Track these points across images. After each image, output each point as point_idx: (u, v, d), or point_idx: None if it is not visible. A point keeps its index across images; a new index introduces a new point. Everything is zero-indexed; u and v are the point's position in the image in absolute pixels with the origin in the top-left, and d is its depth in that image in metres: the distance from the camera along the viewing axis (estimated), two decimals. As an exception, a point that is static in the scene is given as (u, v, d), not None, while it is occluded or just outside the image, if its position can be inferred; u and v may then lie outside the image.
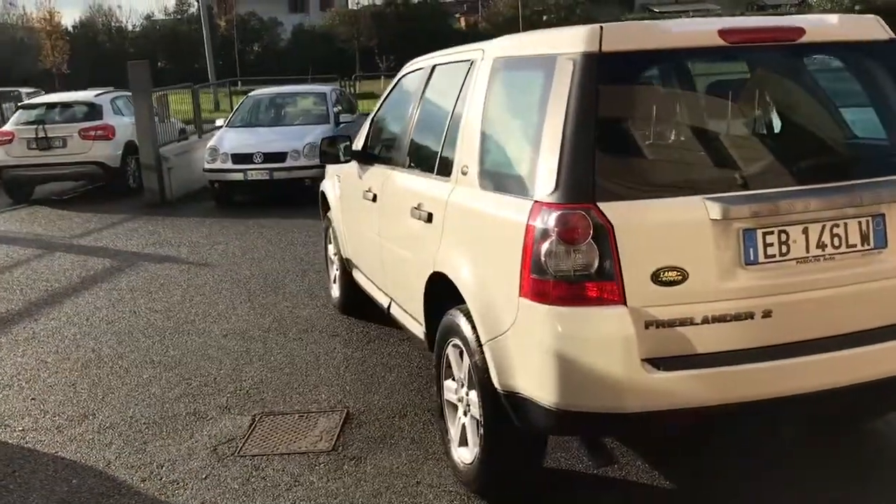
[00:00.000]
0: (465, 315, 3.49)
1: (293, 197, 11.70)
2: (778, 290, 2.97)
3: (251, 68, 43.99)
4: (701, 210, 2.91)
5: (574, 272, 2.89)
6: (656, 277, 2.88)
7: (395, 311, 4.75)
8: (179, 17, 58.18)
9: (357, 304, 6.16)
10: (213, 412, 4.75)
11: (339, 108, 13.66)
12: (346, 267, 6.00)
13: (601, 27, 3.02)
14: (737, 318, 2.94)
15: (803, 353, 2.95)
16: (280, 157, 11.68)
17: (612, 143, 3.02)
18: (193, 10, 54.85)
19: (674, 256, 2.89)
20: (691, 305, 2.90)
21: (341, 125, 12.93)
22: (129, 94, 13.38)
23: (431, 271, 3.83)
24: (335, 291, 6.51)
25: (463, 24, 59.41)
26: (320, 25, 53.68)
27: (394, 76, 5.41)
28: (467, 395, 3.61)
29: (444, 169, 3.91)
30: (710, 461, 3.90)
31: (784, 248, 2.98)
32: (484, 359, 3.30)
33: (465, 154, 3.69)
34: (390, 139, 5.01)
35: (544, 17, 51.89)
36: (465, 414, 3.67)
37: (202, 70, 36.14)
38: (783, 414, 3.09)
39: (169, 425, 4.60)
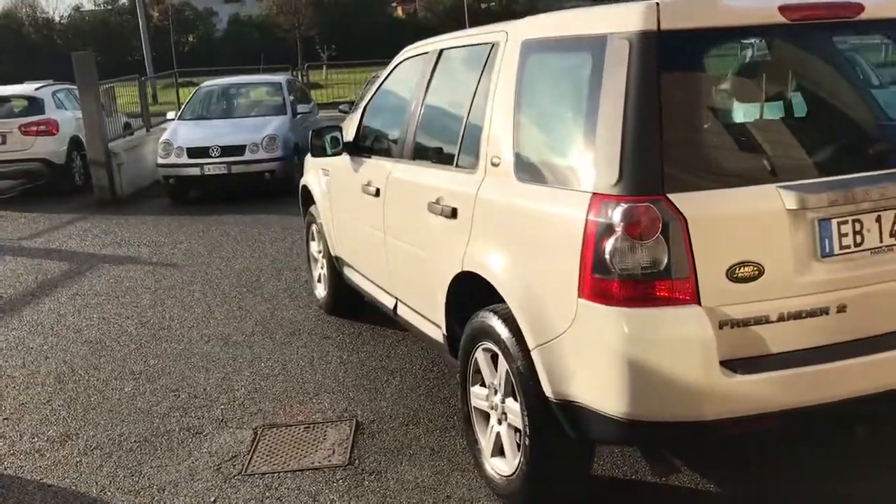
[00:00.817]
0: (500, 317, 3.24)
1: (251, 192, 11.29)
2: (853, 283, 2.80)
3: (186, 59, 42.91)
4: (775, 199, 2.71)
5: (641, 270, 2.67)
6: (732, 273, 2.67)
7: (404, 312, 4.46)
8: (110, 7, 56.46)
9: (346, 304, 5.86)
10: (208, 426, 4.41)
11: (294, 97, 13.24)
12: (336, 265, 5.68)
13: (657, 3, 2.79)
14: (812, 314, 2.75)
15: (880, 349, 2.79)
16: (238, 150, 11.21)
17: (677, 129, 2.78)
18: (124, 0, 53.36)
19: (749, 250, 2.69)
20: (767, 302, 2.71)
21: (299, 115, 12.55)
22: (72, 86, 12.72)
23: (458, 271, 3.57)
24: (320, 291, 6.18)
25: (400, 12, 58.90)
26: (257, 15, 52.67)
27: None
28: (503, 402, 3.37)
29: (468, 160, 3.64)
30: (753, 467, 3.73)
31: (858, 239, 2.81)
32: (530, 365, 3.06)
33: (495, 144, 3.43)
34: (392, 130, 4.68)
35: (483, 6, 51.73)
36: (500, 423, 3.43)
37: (136, 62, 34.99)
38: (861, 414, 2.92)
39: (162, 443, 4.25)
